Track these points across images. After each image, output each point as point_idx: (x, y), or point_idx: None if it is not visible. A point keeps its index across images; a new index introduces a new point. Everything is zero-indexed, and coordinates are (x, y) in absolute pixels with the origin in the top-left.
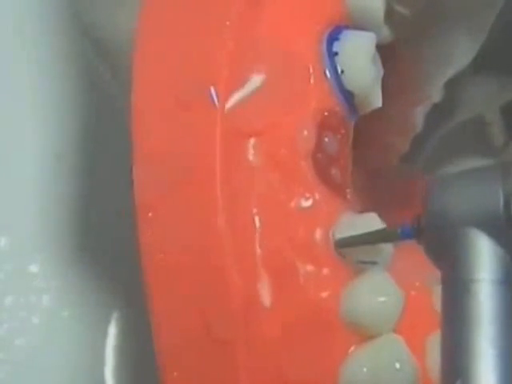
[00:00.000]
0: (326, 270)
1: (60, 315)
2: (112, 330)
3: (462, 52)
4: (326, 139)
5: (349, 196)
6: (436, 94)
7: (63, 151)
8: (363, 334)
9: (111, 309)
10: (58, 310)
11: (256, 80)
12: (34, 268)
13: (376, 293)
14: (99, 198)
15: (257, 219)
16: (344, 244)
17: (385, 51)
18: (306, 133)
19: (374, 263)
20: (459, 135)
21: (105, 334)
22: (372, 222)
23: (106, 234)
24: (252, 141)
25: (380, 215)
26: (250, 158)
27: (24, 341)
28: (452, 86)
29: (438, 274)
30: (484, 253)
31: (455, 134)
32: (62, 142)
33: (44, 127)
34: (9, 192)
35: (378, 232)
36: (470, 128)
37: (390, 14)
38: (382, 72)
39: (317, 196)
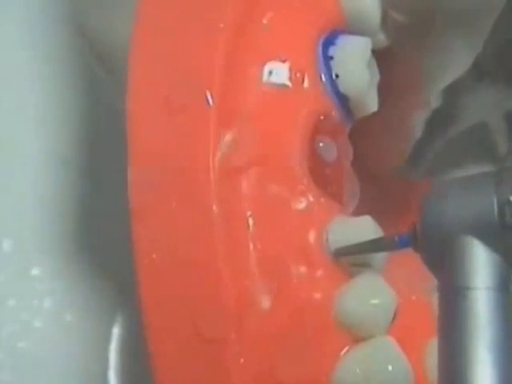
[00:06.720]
0: (319, 272)
1: (62, 318)
2: (115, 333)
3: (459, 58)
4: (321, 144)
5: (345, 199)
6: (434, 100)
7: (65, 154)
8: (356, 336)
9: (114, 311)
10: (60, 312)
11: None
12: (36, 271)
13: (369, 295)
14: (101, 200)
15: (250, 221)
16: (342, 253)
17: (382, 56)
18: (300, 136)
19: (367, 266)
20: (462, 142)
21: (108, 337)
22: (366, 225)
23: (108, 237)
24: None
25: (379, 219)
26: (244, 160)
27: (26, 344)
28: (455, 92)
29: (434, 281)
30: (480, 260)
31: (458, 140)
32: (63, 145)
33: (46, 130)
34: (11, 195)
35: (375, 241)
36: (473, 135)
37: (385, 19)
38: (378, 76)
39: (311, 199)
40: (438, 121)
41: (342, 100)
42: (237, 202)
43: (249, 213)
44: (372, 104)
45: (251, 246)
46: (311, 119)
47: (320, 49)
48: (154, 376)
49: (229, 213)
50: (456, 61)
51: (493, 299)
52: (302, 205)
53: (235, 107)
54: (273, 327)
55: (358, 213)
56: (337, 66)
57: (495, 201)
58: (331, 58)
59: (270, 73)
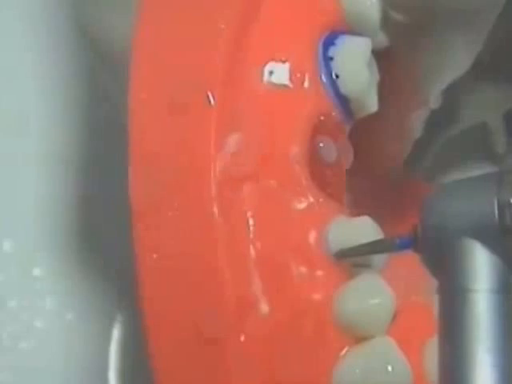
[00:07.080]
0: (319, 272)
1: (64, 318)
2: (116, 333)
3: (458, 58)
4: (321, 144)
5: (345, 200)
6: (433, 100)
7: (65, 154)
8: (356, 336)
9: (115, 312)
10: (61, 313)
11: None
12: (37, 271)
13: (368, 295)
14: (102, 200)
15: (251, 221)
16: (343, 255)
17: (382, 56)
18: (300, 137)
19: (367, 266)
20: (462, 142)
21: (108, 337)
22: (365, 225)
23: (109, 237)
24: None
25: (378, 219)
26: (245, 160)
27: (27, 344)
28: (455, 92)
29: (434, 281)
30: (480, 262)
31: (458, 140)
32: (63, 145)
33: (46, 130)
34: (12, 195)
35: (376, 242)
36: (473, 135)
37: (385, 19)
38: (377, 77)
39: (311, 199)
40: (438, 121)
41: (342, 100)
42: (237, 201)
43: (249, 213)
44: (372, 104)
45: (251, 246)
46: (311, 119)
47: (320, 49)
48: (154, 376)
49: (229, 213)
50: (456, 61)
51: (493, 301)
52: (301, 205)
53: (236, 107)
54: (273, 327)
55: (357, 213)
56: (337, 67)
57: (495, 203)
58: (331, 58)
59: (271, 73)
